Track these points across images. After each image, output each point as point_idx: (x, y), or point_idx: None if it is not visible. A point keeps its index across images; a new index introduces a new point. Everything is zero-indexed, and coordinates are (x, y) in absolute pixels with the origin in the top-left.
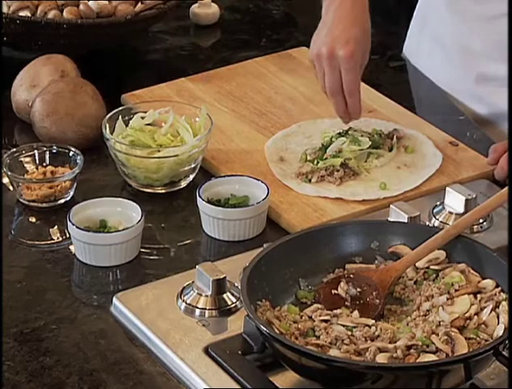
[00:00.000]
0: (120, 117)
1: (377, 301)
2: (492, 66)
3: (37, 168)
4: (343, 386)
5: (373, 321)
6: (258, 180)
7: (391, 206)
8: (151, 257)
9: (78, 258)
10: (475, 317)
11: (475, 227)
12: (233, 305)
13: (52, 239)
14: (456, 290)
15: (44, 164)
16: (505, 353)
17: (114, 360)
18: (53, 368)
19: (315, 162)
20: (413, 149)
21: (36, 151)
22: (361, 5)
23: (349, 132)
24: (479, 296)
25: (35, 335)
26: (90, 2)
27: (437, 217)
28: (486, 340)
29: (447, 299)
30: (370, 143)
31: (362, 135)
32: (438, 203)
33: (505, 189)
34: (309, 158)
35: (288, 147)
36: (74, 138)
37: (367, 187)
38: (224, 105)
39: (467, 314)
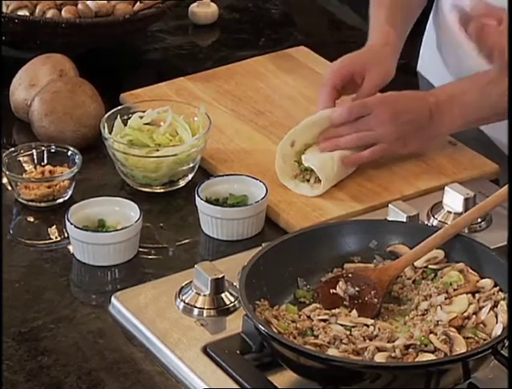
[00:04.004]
0: (118, 116)
1: (376, 300)
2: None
3: (36, 168)
4: (342, 385)
5: (372, 320)
6: (257, 179)
7: (390, 205)
8: (150, 256)
9: (76, 257)
10: (474, 316)
11: (474, 226)
12: (232, 304)
13: (50, 238)
14: (454, 289)
15: (43, 163)
16: (503, 353)
17: (113, 359)
18: (51, 367)
19: None
20: None
21: (34, 151)
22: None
23: None
24: (477, 295)
25: (33, 334)
26: (88, 2)
27: (435, 216)
28: (484, 340)
29: (445, 298)
30: None
31: None
32: (437, 203)
33: (504, 188)
34: None
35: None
36: (73, 138)
37: None
38: (223, 105)
39: (465, 314)
